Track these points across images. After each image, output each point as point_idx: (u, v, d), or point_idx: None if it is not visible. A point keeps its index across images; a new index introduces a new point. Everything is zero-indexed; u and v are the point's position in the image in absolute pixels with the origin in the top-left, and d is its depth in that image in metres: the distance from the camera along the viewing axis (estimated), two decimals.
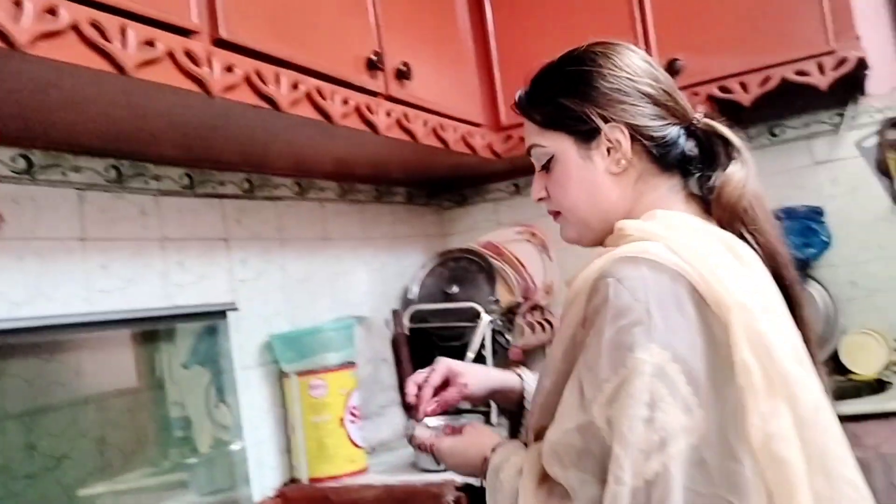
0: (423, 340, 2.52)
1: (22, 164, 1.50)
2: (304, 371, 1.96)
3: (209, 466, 1.79)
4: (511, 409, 1.30)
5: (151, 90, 1.28)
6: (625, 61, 1.04)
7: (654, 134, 1.03)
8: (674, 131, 1.05)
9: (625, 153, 1.02)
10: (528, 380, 1.29)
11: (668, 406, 0.84)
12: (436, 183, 2.87)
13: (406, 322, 2.52)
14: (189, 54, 1.30)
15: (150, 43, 1.23)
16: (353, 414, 1.98)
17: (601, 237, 1.06)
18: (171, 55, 1.26)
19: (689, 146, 1.06)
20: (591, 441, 0.87)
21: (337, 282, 2.36)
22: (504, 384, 1.29)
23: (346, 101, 1.71)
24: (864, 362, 2.37)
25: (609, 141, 1.02)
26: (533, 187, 1.12)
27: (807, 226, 2.46)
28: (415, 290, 2.64)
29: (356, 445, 1.98)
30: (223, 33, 1.37)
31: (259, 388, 1.99)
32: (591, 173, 1.04)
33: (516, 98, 1.12)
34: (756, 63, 2.18)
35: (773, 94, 2.19)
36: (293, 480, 2.00)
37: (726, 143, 1.07)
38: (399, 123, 1.93)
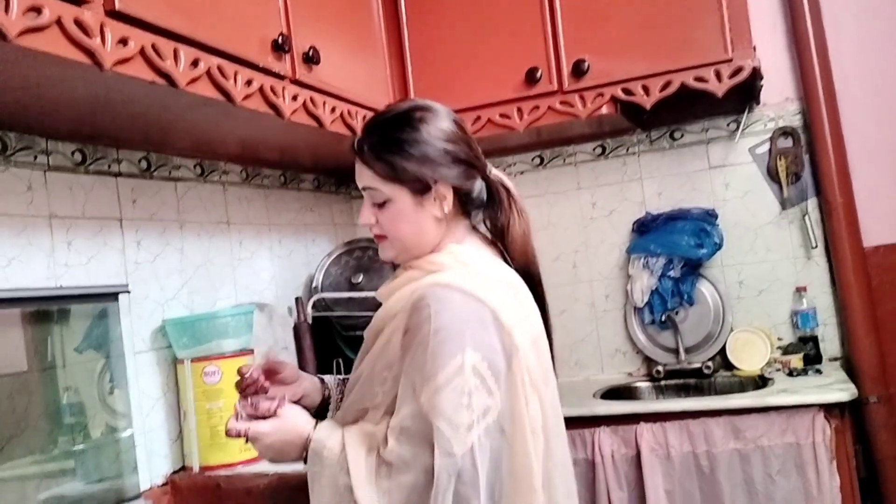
0: (325, 329, 2.50)
1: None
2: (199, 357, 1.92)
3: (97, 454, 1.73)
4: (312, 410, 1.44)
5: (38, 59, 1.22)
6: (442, 127, 1.30)
7: (466, 189, 1.32)
8: (477, 184, 1.35)
9: (448, 204, 1.30)
10: (330, 384, 1.51)
11: (480, 393, 1.15)
12: (345, 171, 2.83)
13: (309, 310, 2.50)
14: (79, 23, 1.24)
15: (37, 9, 1.17)
16: None
17: (414, 259, 1.32)
18: (59, 23, 1.21)
19: (482, 193, 1.36)
20: (420, 423, 1.13)
21: (239, 267, 2.31)
22: (314, 385, 1.48)
23: (249, 83, 1.68)
24: (748, 358, 2.49)
25: (438, 194, 1.29)
26: (362, 214, 1.35)
27: (701, 227, 2.56)
28: (319, 278, 2.62)
29: None
30: (118, 4, 1.32)
31: (151, 373, 1.93)
32: (420, 216, 1.30)
33: (354, 145, 1.33)
34: (658, 68, 2.26)
35: (674, 99, 2.27)
36: (184, 468, 1.95)
37: (509, 193, 1.37)
38: (305, 108, 1.90)
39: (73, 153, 1.78)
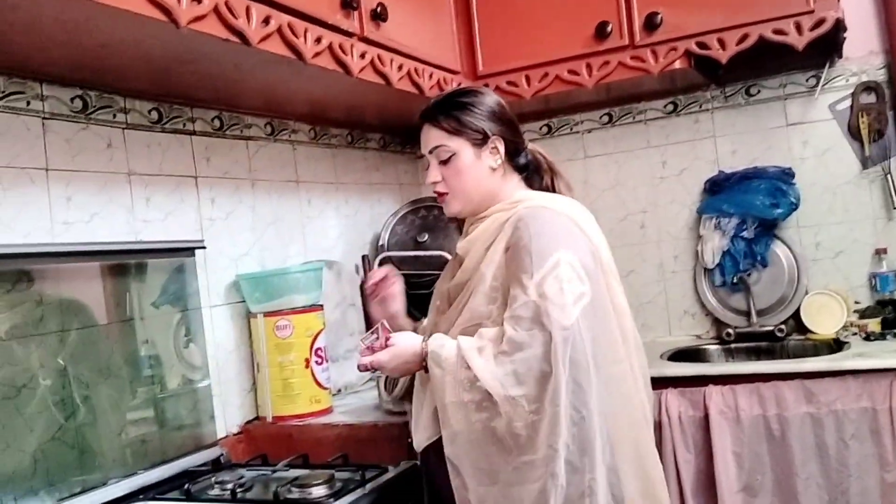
0: None
1: None
2: (272, 312, 1.97)
3: (175, 403, 1.80)
4: None
5: (117, 17, 1.25)
6: (495, 98, 1.59)
7: (515, 145, 1.58)
8: (521, 148, 1.61)
9: (501, 156, 1.55)
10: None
11: (575, 282, 1.38)
12: (411, 130, 2.83)
13: (375, 268, 2.52)
14: None
15: None
16: (318, 355, 2.00)
17: (475, 212, 1.56)
18: None
19: (526, 159, 1.62)
20: (531, 310, 1.35)
21: (307, 226, 2.35)
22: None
23: (318, 40, 1.69)
24: (823, 322, 2.42)
25: (493, 147, 1.54)
26: (430, 174, 1.58)
27: (777, 187, 2.48)
28: (385, 237, 2.64)
29: (321, 386, 2.00)
30: None
31: (226, 327, 1.99)
32: (478, 167, 1.54)
33: (426, 111, 1.59)
34: (734, 20, 2.18)
35: (751, 53, 2.19)
36: (257, 418, 2.02)
37: (545, 159, 1.65)
38: (373, 66, 1.90)
39: (149, 111, 1.83)
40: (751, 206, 2.48)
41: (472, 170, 1.54)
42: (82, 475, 1.56)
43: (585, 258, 1.43)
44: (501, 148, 1.54)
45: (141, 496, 1.61)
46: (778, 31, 2.14)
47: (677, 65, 2.25)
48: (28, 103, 1.55)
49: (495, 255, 1.46)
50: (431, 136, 1.56)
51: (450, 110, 1.55)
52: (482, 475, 1.36)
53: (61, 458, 1.52)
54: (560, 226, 1.46)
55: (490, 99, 1.58)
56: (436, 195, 1.61)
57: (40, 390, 1.50)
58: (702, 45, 2.22)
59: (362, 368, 1.52)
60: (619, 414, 1.41)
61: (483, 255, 1.49)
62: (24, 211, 1.52)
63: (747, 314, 2.55)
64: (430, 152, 1.57)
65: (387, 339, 1.51)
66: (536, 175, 1.64)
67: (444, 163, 1.55)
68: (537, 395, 1.32)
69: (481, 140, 1.53)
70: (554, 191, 1.64)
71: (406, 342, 1.50)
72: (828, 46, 2.29)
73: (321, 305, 2.07)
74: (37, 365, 1.50)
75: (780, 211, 2.47)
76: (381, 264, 2.53)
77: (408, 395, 1.65)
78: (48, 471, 1.49)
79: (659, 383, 2.12)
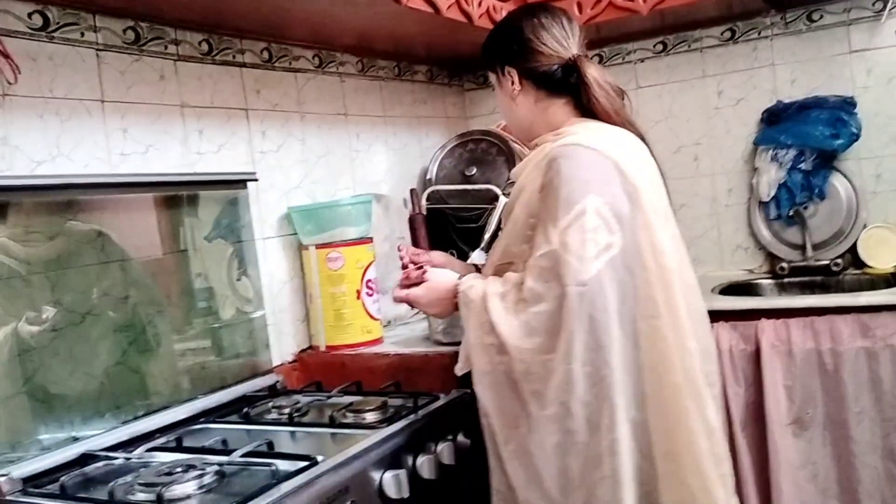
0: (440, 221, 2.53)
1: (38, 20, 1.48)
2: (323, 244, 1.99)
3: (231, 333, 1.85)
4: None
5: None
6: (514, 22, 1.54)
7: (529, 71, 1.51)
8: (552, 69, 1.50)
9: (516, 84, 1.53)
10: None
11: (602, 231, 1.31)
12: (459, 62, 2.80)
13: (424, 202, 2.52)
14: None
15: None
16: (369, 287, 2.02)
17: (526, 139, 1.59)
18: None
19: (569, 78, 1.49)
20: (552, 260, 1.31)
21: (356, 159, 2.35)
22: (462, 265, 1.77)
23: None
24: (881, 256, 2.37)
25: (506, 75, 1.54)
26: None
27: (837, 116, 2.40)
28: (433, 171, 2.63)
29: (372, 317, 2.03)
30: None
31: (278, 258, 2.03)
32: (503, 97, 1.57)
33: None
34: None
35: None
36: (310, 347, 2.06)
37: (591, 75, 1.49)
38: None
39: (199, 43, 1.83)
40: (809, 136, 2.40)
41: (501, 100, 1.58)
42: (145, 399, 1.62)
43: (619, 203, 1.34)
44: (515, 76, 1.52)
45: (202, 419, 1.67)
46: None
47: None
48: (82, 34, 1.56)
49: (532, 193, 1.42)
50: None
51: (484, 43, 1.59)
52: (505, 418, 1.36)
53: (125, 382, 1.58)
54: (594, 167, 1.36)
55: (509, 24, 1.56)
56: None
57: (104, 317, 1.55)
58: None
59: (397, 300, 1.54)
60: (653, 370, 1.34)
61: (523, 186, 1.46)
62: (82, 142, 1.55)
63: (802, 248, 2.50)
64: None
65: (423, 273, 1.53)
66: (584, 94, 1.50)
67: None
68: (548, 349, 1.29)
69: (500, 70, 1.55)
70: (597, 115, 1.50)
71: (440, 278, 1.51)
72: None
73: (371, 238, 2.08)
74: (99, 293, 1.55)
75: (840, 142, 2.39)
76: (429, 198, 2.53)
77: None
78: (113, 394, 1.55)
79: (710, 317, 2.10)
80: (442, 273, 1.53)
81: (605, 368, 1.28)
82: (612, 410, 1.29)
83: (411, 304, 1.57)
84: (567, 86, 1.51)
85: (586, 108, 1.51)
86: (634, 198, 1.37)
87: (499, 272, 1.45)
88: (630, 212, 1.35)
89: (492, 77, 1.61)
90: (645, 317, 1.34)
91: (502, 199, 2.38)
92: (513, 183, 1.56)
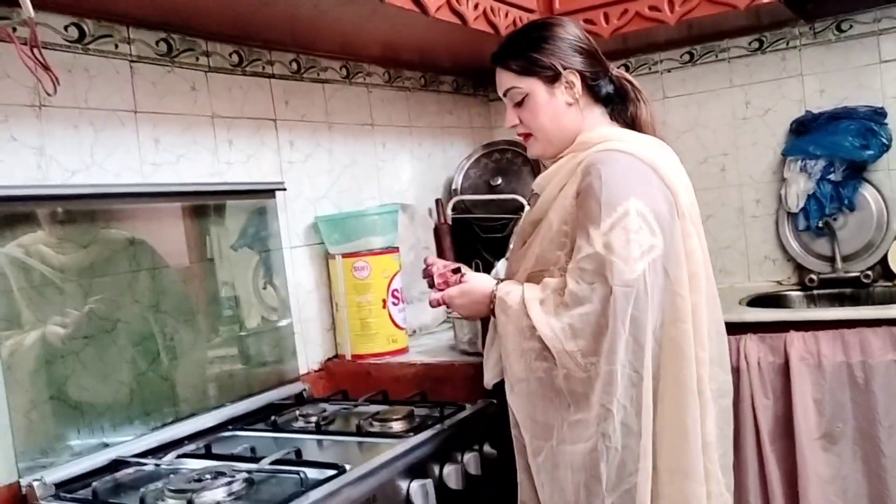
0: (465, 230, 2.54)
1: (74, 32, 1.51)
2: (349, 253, 2.00)
3: (258, 341, 1.86)
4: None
5: None
6: (569, 29, 1.50)
7: (592, 75, 1.50)
8: (601, 76, 1.52)
9: (578, 90, 1.48)
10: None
11: (644, 233, 1.32)
12: (484, 73, 2.80)
13: (449, 212, 2.53)
14: None
15: None
16: (395, 296, 2.03)
17: (559, 151, 1.50)
18: None
19: (609, 88, 1.53)
20: (595, 262, 1.31)
21: (382, 169, 2.37)
22: None
23: None
24: None
25: (567, 82, 1.47)
26: (507, 117, 1.53)
27: (867, 127, 2.37)
28: (459, 181, 2.64)
29: (397, 326, 2.03)
30: None
31: (305, 267, 2.04)
32: (554, 104, 1.48)
33: (495, 53, 1.53)
34: None
35: None
36: (337, 356, 2.07)
37: (633, 85, 1.56)
38: (449, 4, 1.88)
39: (230, 54, 1.85)
40: (839, 147, 2.38)
41: (548, 108, 1.48)
42: (174, 406, 1.63)
43: (659, 207, 1.35)
44: (577, 82, 1.47)
45: (230, 427, 1.69)
46: None
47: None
48: (116, 46, 1.59)
49: (565, 199, 1.41)
50: (503, 79, 1.52)
51: (519, 49, 1.49)
52: (537, 428, 1.36)
53: (155, 389, 1.60)
54: (634, 171, 1.38)
55: (562, 29, 1.49)
56: (520, 138, 1.57)
57: (134, 325, 1.57)
58: None
59: (434, 304, 1.54)
60: (670, 377, 1.36)
61: (556, 195, 1.45)
62: (114, 152, 1.58)
63: (831, 260, 2.48)
64: (505, 95, 1.53)
65: (461, 277, 1.53)
66: (622, 105, 1.55)
67: (519, 104, 1.50)
68: (593, 352, 1.29)
69: (553, 76, 1.46)
70: (637, 123, 1.54)
71: (478, 282, 1.50)
72: None
73: (396, 248, 2.09)
74: (130, 301, 1.57)
75: (870, 152, 2.36)
76: (454, 208, 2.53)
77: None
78: (143, 401, 1.57)
79: (738, 329, 2.09)
80: (480, 278, 1.53)
81: (641, 369, 1.30)
82: (646, 414, 1.30)
83: (447, 305, 1.55)
84: (608, 95, 1.53)
85: (622, 118, 1.55)
86: (672, 203, 1.39)
87: (532, 279, 1.44)
88: (668, 216, 1.36)
89: (529, 84, 1.48)
90: (673, 321, 1.36)
91: (527, 209, 2.39)
92: (535, 194, 1.55)
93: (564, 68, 1.46)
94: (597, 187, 1.34)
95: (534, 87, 1.47)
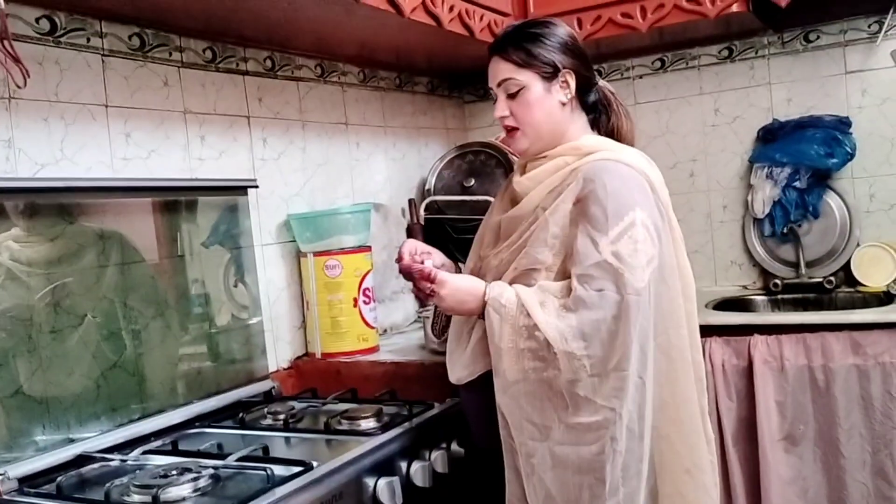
0: (437, 231, 2.55)
1: (46, 25, 1.50)
2: (321, 251, 2.01)
3: (228, 338, 1.86)
4: None
5: None
6: (566, 30, 1.52)
7: (586, 79, 1.52)
8: (591, 83, 1.54)
9: (572, 90, 1.49)
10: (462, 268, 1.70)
11: (647, 243, 1.36)
12: (459, 75, 2.83)
13: (422, 212, 2.54)
14: None
15: None
16: (366, 295, 2.04)
17: (544, 149, 1.50)
18: None
19: (595, 97, 1.56)
20: (603, 270, 1.33)
21: (355, 168, 2.37)
22: (452, 268, 1.64)
23: None
24: (874, 275, 2.38)
25: (564, 81, 1.48)
26: (497, 108, 1.51)
27: (832, 136, 2.43)
28: (432, 181, 2.65)
29: (368, 325, 2.04)
30: None
31: (277, 265, 2.04)
32: (548, 101, 1.48)
33: (495, 42, 1.52)
34: None
35: None
36: (307, 354, 2.07)
37: (616, 98, 1.59)
38: (424, 6, 1.89)
39: (204, 51, 1.85)
40: (805, 155, 2.43)
41: (542, 104, 1.46)
42: (141, 402, 1.63)
43: (656, 217, 1.40)
44: (572, 82, 1.47)
45: (197, 424, 1.68)
46: None
47: (734, 8, 2.19)
48: (88, 40, 1.58)
49: (563, 204, 1.41)
50: (500, 69, 1.49)
51: (520, 42, 1.48)
52: (533, 429, 1.36)
53: (122, 385, 1.59)
54: (635, 182, 1.41)
55: (562, 30, 1.50)
56: (505, 130, 1.53)
57: (102, 320, 1.56)
58: None
59: (418, 271, 1.44)
60: (668, 382, 1.40)
61: (544, 197, 1.45)
62: (85, 146, 1.57)
63: (796, 265, 2.53)
64: (499, 85, 1.49)
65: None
66: (604, 115, 1.57)
67: (513, 97, 1.48)
68: (603, 358, 1.31)
69: (552, 73, 1.46)
70: (618, 134, 1.57)
71: (468, 280, 1.46)
72: None
73: (369, 247, 2.10)
74: (98, 296, 1.56)
75: (834, 161, 2.42)
76: (427, 208, 2.55)
77: None
78: (110, 396, 1.56)
79: (703, 332, 2.07)
80: (469, 278, 1.48)
81: (644, 375, 1.33)
82: (648, 419, 1.34)
83: (431, 296, 1.47)
84: (593, 104, 1.55)
85: (603, 128, 1.57)
86: (664, 213, 1.44)
87: (520, 278, 1.44)
88: (661, 226, 1.41)
89: (527, 77, 1.46)
90: (674, 327, 1.41)
91: (493, 206, 2.41)
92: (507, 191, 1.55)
93: (563, 67, 1.47)
94: (602, 196, 1.36)
95: (531, 81, 1.46)
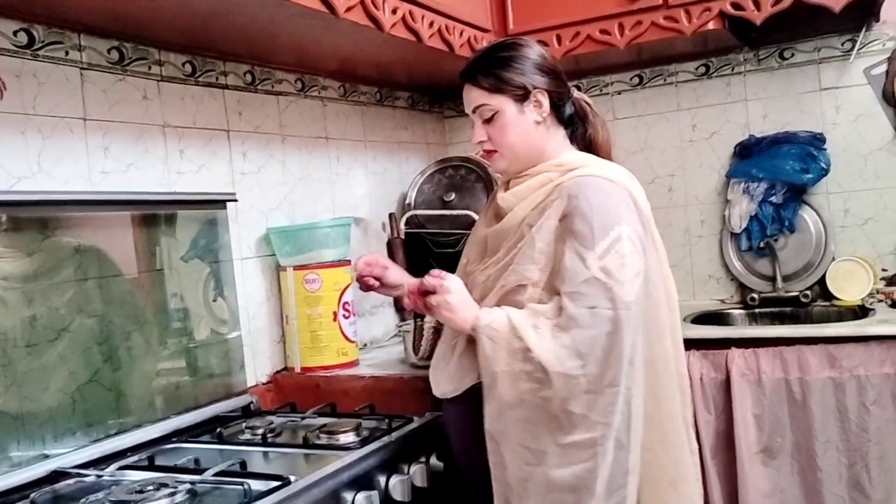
0: (418, 245, 2.56)
1: (24, 38, 1.49)
2: (301, 265, 2.00)
3: (206, 353, 1.85)
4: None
5: None
6: (536, 49, 1.53)
7: (557, 97, 1.52)
8: (566, 98, 1.56)
9: (546, 109, 1.50)
10: None
11: (634, 257, 1.37)
12: (439, 90, 2.85)
13: (402, 226, 2.55)
14: None
15: None
16: (346, 309, 2.03)
17: (524, 168, 1.52)
18: None
19: (571, 109, 1.57)
20: (593, 287, 1.34)
21: (336, 182, 2.37)
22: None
23: None
24: (849, 289, 2.41)
25: (536, 101, 1.49)
26: (475, 134, 1.54)
27: (807, 152, 2.46)
28: (412, 196, 2.66)
29: (348, 339, 2.04)
30: None
31: (256, 279, 2.03)
32: (523, 123, 1.49)
33: (464, 71, 1.53)
34: None
35: (786, 15, 2.16)
36: (286, 369, 2.07)
37: (591, 108, 1.61)
38: (404, 21, 1.91)
39: (183, 64, 1.85)
40: (780, 170, 2.46)
41: (517, 126, 1.49)
42: (118, 418, 1.61)
43: (639, 231, 1.41)
44: (545, 101, 1.49)
45: (174, 439, 1.67)
46: None
47: (711, 26, 2.22)
48: (67, 53, 1.58)
49: (548, 220, 1.42)
50: (473, 96, 1.52)
51: (489, 67, 1.50)
52: (528, 454, 1.35)
53: (98, 400, 1.57)
54: (619, 197, 1.42)
55: (530, 50, 1.52)
56: (482, 154, 1.58)
57: (78, 334, 1.55)
58: (736, 6, 2.19)
59: (427, 286, 1.45)
60: (653, 394, 1.41)
61: (529, 213, 1.46)
62: (63, 159, 1.56)
63: (772, 279, 2.55)
64: (474, 111, 1.53)
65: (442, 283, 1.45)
66: (581, 126, 1.59)
67: (488, 121, 1.51)
68: (598, 374, 1.31)
69: (523, 95, 1.48)
70: (594, 145, 1.59)
71: (465, 300, 1.45)
72: (865, 9, 2.25)
73: (349, 261, 2.09)
74: (75, 310, 1.55)
75: (809, 176, 2.45)
76: (407, 223, 2.55)
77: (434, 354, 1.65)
78: (86, 412, 1.54)
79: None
80: (464, 296, 1.46)
81: (634, 387, 1.35)
82: (636, 430, 1.35)
83: (429, 309, 1.49)
84: (570, 117, 1.57)
85: (581, 140, 1.59)
86: (647, 227, 1.46)
87: (508, 296, 1.44)
88: (645, 240, 1.42)
89: (499, 101, 1.49)
90: (658, 340, 1.43)
91: (478, 222, 2.42)
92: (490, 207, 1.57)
93: (534, 87, 1.48)
94: (586, 211, 1.38)
95: (504, 105, 1.48)
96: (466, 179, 2.65)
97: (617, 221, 1.37)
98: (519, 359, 1.35)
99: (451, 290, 1.44)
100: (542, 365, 1.32)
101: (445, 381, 1.52)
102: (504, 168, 1.54)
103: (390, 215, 2.57)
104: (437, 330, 1.72)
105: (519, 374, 1.35)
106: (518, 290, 1.43)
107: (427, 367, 1.81)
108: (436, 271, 1.48)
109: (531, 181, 1.50)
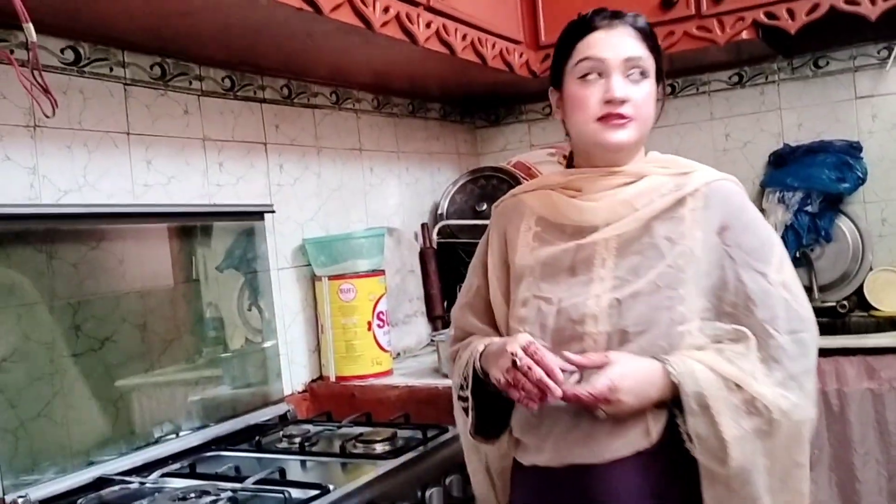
0: (450, 255, 2.57)
1: (70, 55, 1.54)
2: (336, 275, 2.03)
3: (242, 362, 1.87)
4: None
5: None
6: None
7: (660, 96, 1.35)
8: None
9: (662, 101, 1.33)
10: None
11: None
12: (471, 101, 2.87)
13: (434, 236, 2.57)
14: None
15: None
16: (380, 319, 2.05)
17: (638, 150, 1.32)
18: None
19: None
20: (787, 309, 1.19)
21: (369, 193, 2.40)
22: None
23: (386, 9, 1.72)
24: (888, 299, 2.39)
25: (661, 89, 1.32)
26: (615, 86, 1.23)
27: (843, 160, 2.44)
28: (444, 206, 2.68)
29: (382, 349, 2.06)
30: None
31: (292, 289, 2.06)
32: (652, 102, 1.29)
33: (624, 15, 1.28)
34: None
35: (821, 23, 2.14)
36: (321, 378, 2.09)
37: None
38: (438, 35, 1.93)
39: (222, 79, 1.89)
40: (816, 179, 2.44)
41: (652, 101, 1.27)
42: (159, 425, 1.64)
43: None
44: (663, 94, 1.32)
45: (213, 447, 1.70)
46: (850, 1, 2.09)
47: (744, 35, 2.22)
48: (111, 69, 1.62)
49: (695, 232, 1.22)
50: (629, 44, 1.24)
51: (650, 26, 1.29)
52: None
53: (140, 408, 1.60)
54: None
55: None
56: (606, 117, 1.24)
57: (121, 344, 1.58)
58: (770, 16, 2.18)
59: (589, 394, 1.13)
60: None
61: (655, 224, 1.23)
62: (107, 173, 1.60)
63: (808, 290, 2.52)
64: (626, 60, 1.23)
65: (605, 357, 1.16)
66: None
67: (636, 83, 1.24)
68: (815, 400, 1.21)
69: (661, 74, 1.30)
70: None
71: (640, 367, 1.16)
72: None
73: (383, 271, 2.12)
74: (118, 320, 1.58)
75: (846, 185, 2.43)
76: (439, 233, 2.57)
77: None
78: (128, 420, 1.57)
79: None
80: (630, 357, 1.18)
81: None
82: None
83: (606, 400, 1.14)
84: None
85: None
86: None
87: (668, 329, 1.20)
88: None
89: (651, 65, 1.27)
90: None
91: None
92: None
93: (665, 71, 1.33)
94: (749, 222, 1.24)
95: (652, 72, 1.27)
96: (498, 189, 2.66)
97: (772, 230, 1.27)
98: (743, 414, 1.14)
99: (620, 388, 1.13)
100: (768, 409, 1.14)
101: (548, 451, 1.24)
102: (627, 141, 1.25)
103: (423, 225, 2.58)
104: None
105: (747, 433, 1.14)
106: (674, 320, 1.19)
107: None
108: (576, 360, 1.16)
109: (641, 185, 1.26)
